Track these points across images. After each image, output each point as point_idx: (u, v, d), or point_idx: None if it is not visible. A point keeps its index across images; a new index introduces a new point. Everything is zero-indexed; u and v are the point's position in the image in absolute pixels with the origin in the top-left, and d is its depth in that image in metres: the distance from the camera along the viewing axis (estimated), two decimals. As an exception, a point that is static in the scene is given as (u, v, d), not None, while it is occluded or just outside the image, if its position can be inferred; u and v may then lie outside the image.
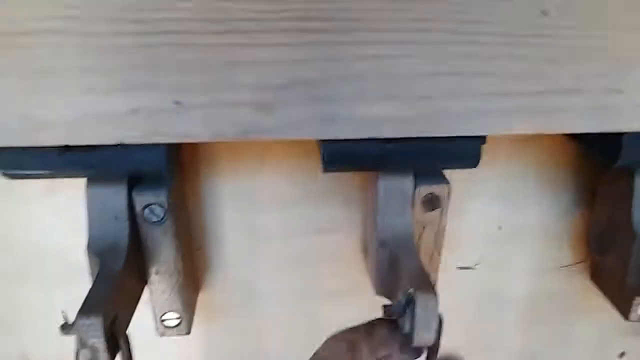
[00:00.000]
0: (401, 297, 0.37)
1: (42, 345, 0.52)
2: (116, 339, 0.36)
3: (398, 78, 0.33)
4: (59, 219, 0.47)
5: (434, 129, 0.35)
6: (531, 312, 0.56)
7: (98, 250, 0.39)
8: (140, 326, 0.50)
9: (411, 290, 0.35)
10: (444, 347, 0.54)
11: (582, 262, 0.54)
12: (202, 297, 0.52)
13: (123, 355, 0.36)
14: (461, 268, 0.53)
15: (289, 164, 0.47)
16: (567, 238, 0.53)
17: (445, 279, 0.53)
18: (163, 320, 0.46)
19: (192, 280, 0.49)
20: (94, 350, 0.34)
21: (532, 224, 0.52)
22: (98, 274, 0.38)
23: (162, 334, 0.47)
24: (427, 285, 0.36)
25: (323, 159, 0.37)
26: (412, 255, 0.40)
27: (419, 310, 0.35)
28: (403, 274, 0.39)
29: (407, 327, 0.36)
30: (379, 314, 0.54)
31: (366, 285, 0.52)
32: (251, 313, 0.53)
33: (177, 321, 0.46)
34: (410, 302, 0.36)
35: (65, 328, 0.35)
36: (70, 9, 0.30)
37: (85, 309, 0.34)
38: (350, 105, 0.34)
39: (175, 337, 0.53)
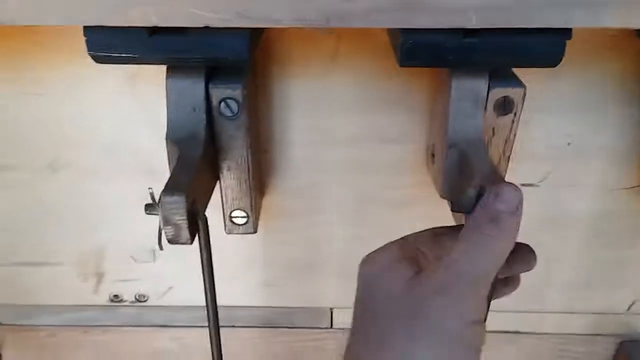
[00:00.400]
0: (471, 192, 0.37)
1: (118, 239, 0.55)
2: (196, 220, 0.37)
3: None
4: (138, 115, 0.48)
5: (523, 19, 0.34)
6: (593, 233, 0.55)
7: (177, 140, 0.41)
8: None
9: (482, 185, 0.35)
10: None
11: (651, 183, 0.53)
12: (266, 201, 0.53)
13: (202, 235, 0.38)
14: (524, 185, 0.53)
15: (360, 66, 0.46)
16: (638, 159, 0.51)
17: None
18: (232, 218, 0.48)
19: (259, 181, 0.51)
20: (177, 228, 0.36)
21: (603, 142, 0.50)
22: (178, 159, 0.39)
23: (229, 232, 0.49)
24: (500, 181, 0.36)
25: (401, 51, 0.36)
26: (484, 155, 0.40)
27: None
28: (473, 173, 0.38)
29: None
30: (443, 223, 0.55)
31: (430, 196, 0.53)
32: (314, 219, 0.54)
33: (245, 219, 0.48)
34: (480, 196, 0.35)
35: (150, 207, 0.37)
36: None
37: (170, 188, 0.36)
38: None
39: (238, 237, 0.55)
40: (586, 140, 0.50)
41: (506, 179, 0.51)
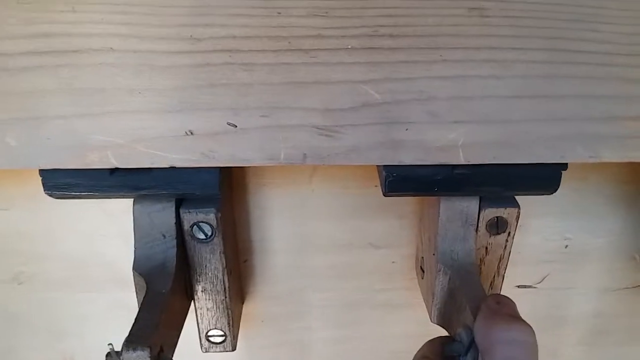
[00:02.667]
0: (463, 335, 0.34)
1: (87, 348, 0.52)
2: (163, 368, 0.34)
3: (475, 100, 0.30)
4: (107, 228, 0.45)
5: (516, 155, 0.31)
6: (594, 333, 0.52)
7: (144, 271, 0.38)
8: (183, 339, 0.49)
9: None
10: None
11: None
12: (246, 308, 0.50)
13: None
14: (521, 286, 0.50)
15: (343, 173, 0.44)
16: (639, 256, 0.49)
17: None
18: (209, 338, 0.45)
19: (238, 294, 0.47)
20: (141, 381, 0.33)
21: (601, 244, 0.48)
22: (144, 298, 0.36)
23: (206, 350, 0.45)
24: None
25: (385, 184, 0.34)
26: (475, 285, 0.37)
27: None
28: (464, 306, 0.36)
29: None
30: (433, 328, 0.52)
31: (418, 303, 0.50)
32: (296, 326, 0.51)
33: (222, 338, 0.45)
34: (473, 342, 0.33)
35: (111, 358, 0.34)
36: (123, 26, 0.28)
37: (132, 341, 0.32)
38: (421, 130, 0.31)
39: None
40: (584, 242, 0.48)
41: (504, 281, 0.49)
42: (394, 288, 0.49)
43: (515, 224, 0.39)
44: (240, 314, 0.49)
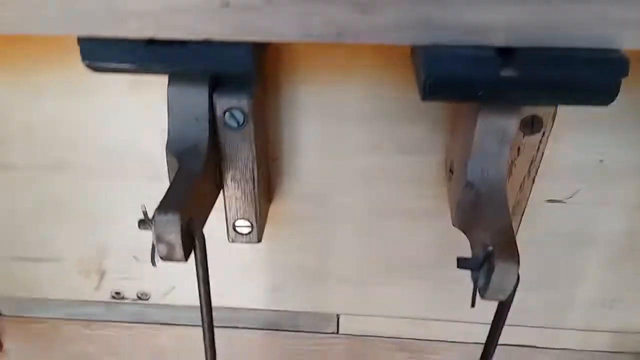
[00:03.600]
0: (479, 251, 0.34)
1: (120, 238, 0.54)
2: (192, 236, 0.35)
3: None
4: (141, 117, 0.46)
5: (562, 37, 0.30)
6: (623, 253, 0.52)
7: (177, 151, 0.38)
8: (210, 233, 0.51)
9: (490, 248, 0.32)
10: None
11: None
12: (274, 208, 0.51)
13: (198, 252, 0.36)
14: (551, 201, 0.49)
15: (377, 75, 0.43)
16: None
17: (532, 212, 0.50)
18: (235, 227, 0.46)
19: (266, 189, 0.48)
20: (170, 246, 0.34)
21: (637, 160, 0.46)
22: (177, 173, 0.37)
23: (232, 241, 0.47)
24: (508, 247, 0.32)
25: (424, 87, 0.31)
26: (501, 203, 0.36)
27: (495, 277, 0.32)
28: (486, 220, 0.35)
29: (480, 282, 0.34)
30: (454, 239, 0.52)
31: (445, 210, 0.50)
32: (321, 227, 0.52)
33: (249, 229, 0.46)
34: (487, 258, 0.33)
35: (143, 223, 0.35)
36: None
37: (164, 206, 0.34)
38: (460, 9, 0.30)
39: (243, 246, 0.53)
40: (619, 158, 0.47)
41: (532, 195, 0.48)
42: (420, 195, 0.49)
43: (551, 124, 0.38)
44: (267, 211, 0.50)
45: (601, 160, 0.47)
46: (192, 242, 0.36)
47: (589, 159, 0.46)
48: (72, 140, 0.48)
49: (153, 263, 0.37)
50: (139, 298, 0.58)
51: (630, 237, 0.51)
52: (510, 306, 0.35)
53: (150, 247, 0.36)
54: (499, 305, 0.35)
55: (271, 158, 0.48)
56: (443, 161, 0.47)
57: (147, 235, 0.36)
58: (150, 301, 0.58)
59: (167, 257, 0.35)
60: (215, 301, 0.57)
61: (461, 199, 0.38)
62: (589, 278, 0.54)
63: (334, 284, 0.56)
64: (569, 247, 0.52)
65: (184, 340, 0.61)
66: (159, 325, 0.60)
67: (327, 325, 0.59)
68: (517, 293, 0.55)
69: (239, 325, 0.60)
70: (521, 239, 0.48)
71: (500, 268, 0.31)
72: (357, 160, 0.48)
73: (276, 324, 0.60)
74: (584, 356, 0.60)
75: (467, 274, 0.54)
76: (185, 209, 0.34)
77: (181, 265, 0.54)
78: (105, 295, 0.58)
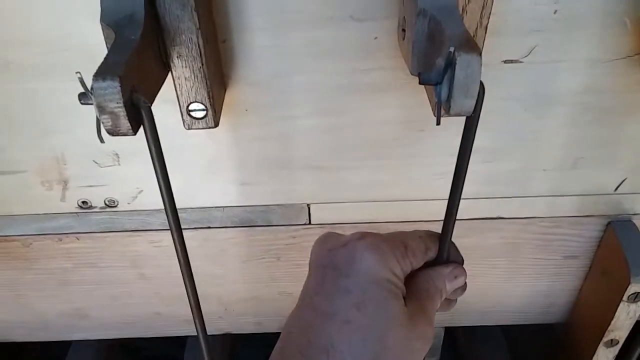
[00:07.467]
0: (439, 62, 0.33)
1: (77, 143, 0.52)
2: (137, 107, 0.34)
3: None
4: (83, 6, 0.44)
5: None
6: (582, 110, 0.52)
7: (112, 21, 0.37)
8: (168, 131, 0.49)
9: (452, 49, 0.31)
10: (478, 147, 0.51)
11: (645, 53, 0.48)
12: (230, 97, 0.50)
13: (146, 124, 0.35)
14: (507, 61, 0.49)
15: None
16: (633, 24, 0.47)
17: (490, 76, 0.49)
18: (190, 111, 0.45)
19: (218, 72, 0.47)
20: (114, 117, 0.33)
21: (594, 5, 0.45)
22: (114, 42, 0.35)
23: (189, 127, 0.46)
24: (471, 44, 0.32)
25: None
26: (456, 21, 0.35)
27: (458, 71, 0.31)
28: (444, 41, 0.35)
29: (444, 94, 0.33)
30: (416, 114, 0.52)
31: (404, 82, 0.49)
32: (282, 112, 0.51)
33: (203, 112, 0.45)
34: (450, 64, 0.32)
35: (84, 96, 0.34)
36: None
37: (102, 72, 0.32)
38: None
39: (203, 141, 0.52)
40: (575, 5, 0.46)
41: (486, 56, 0.47)
42: (376, 68, 0.48)
43: (499, -39, 0.37)
44: (223, 97, 0.49)
45: (555, 11, 0.46)
46: (139, 114, 0.35)
47: (542, 10, 0.46)
48: (13, 35, 0.45)
49: (100, 139, 0.36)
50: (107, 205, 0.57)
51: (591, 94, 0.51)
52: (477, 122, 0.34)
53: (95, 121, 0.35)
54: (466, 122, 0.34)
55: (220, 40, 0.47)
56: (396, 28, 0.46)
57: (106, 138, 0.35)
58: (120, 208, 0.58)
59: (113, 130, 0.34)
60: (185, 202, 0.58)
61: (416, 36, 0.38)
62: (552, 140, 0.54)
63: (301, 173, 0.56)
64: (527, 110, 0.52)
65: (160, 244, 0.61)
66: (131, 232, 0.60)
67: (299, 216, 0.60)
68: (479, 164, 0.56)
69: (212, 225, 0.60)
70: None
71: (463, 59, 0.31)
72: (308, 33, 0.46)
73: (249, 220, 0.60)
74: (551, 222, 0.61)
75: (433, 147, 0.54)
76: (125, 76, 0.33)
77: (145, 165, 0.54)
78: (72, 206, 0.57)
